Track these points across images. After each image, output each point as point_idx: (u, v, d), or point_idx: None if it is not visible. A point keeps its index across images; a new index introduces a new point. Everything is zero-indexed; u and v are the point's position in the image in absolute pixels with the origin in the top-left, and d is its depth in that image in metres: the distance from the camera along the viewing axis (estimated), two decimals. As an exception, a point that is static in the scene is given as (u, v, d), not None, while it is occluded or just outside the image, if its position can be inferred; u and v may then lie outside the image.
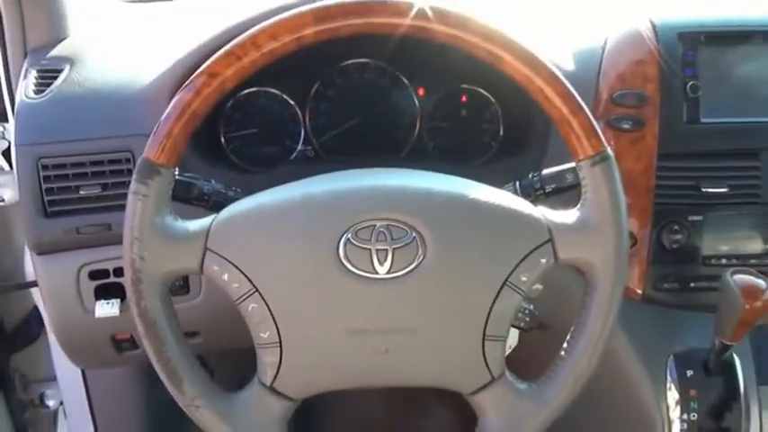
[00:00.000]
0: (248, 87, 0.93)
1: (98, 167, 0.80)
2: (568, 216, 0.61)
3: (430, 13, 0.58)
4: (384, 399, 1.40)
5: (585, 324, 0.61)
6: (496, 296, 0.59)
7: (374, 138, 0.95)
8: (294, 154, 0.95)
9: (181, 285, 0.84)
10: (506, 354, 0.82)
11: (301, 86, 0.93)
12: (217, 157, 0.92)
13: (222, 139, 0.94)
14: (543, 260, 0.60)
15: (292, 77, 0.92)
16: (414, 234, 0.58)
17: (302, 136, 0.95)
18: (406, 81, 0.94)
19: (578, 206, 0.62)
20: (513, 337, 0.85)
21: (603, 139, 0.60)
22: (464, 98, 0.95)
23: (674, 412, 0.80)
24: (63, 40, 0.95)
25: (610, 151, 0.60)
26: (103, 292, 0.83)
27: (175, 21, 1.05)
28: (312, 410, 1.39)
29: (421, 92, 0.95)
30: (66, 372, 1.14)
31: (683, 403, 0.79)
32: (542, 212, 0.61)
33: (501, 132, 0.96)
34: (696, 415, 0.79)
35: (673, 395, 0.81)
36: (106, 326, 0.84)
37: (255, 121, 0.94)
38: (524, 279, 0.59)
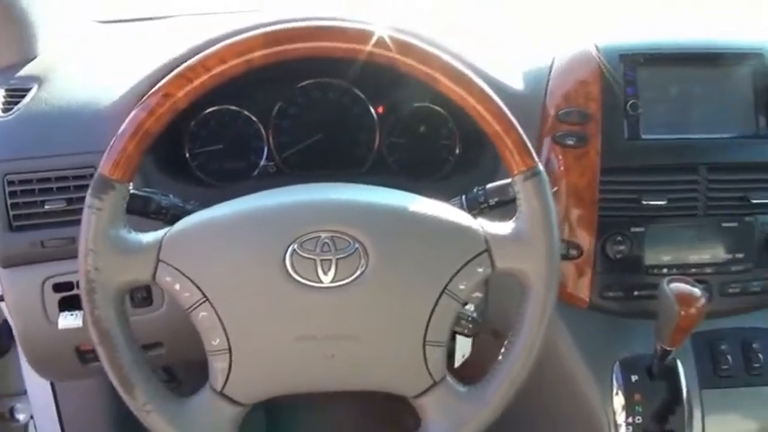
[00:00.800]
0: (213, 105, 0.96)
1: (63, 183, 0.82)
2: (505, 228, 0.65)
3: (374, 39, 0.62)
4: (350, 406, 1.41)
5: (520, 330, 0.64)
6: (436, 303, 0.62)
7: (336, 154, 0.99)
8: (257, 170, 0.98)
9: (144, 297, 0.86)
10: (460, 362, 0.86)
11: (264, 105, 0.97)
12: (181, 173, 0.94)
13: (187, 155, 0.97)
14: (480, 269, 0.63)
15: (256, 96, 0.96)
16: (356, 245, 0.61)
17: (265, 152, 0.98)
18: (365, 99, 0.98)
19: (514, 218, 0.65)
20: (467, 346, 0.88)
21: (534, 155, 0.64)
22: (422, 116, 0.99)
23: (620, 416, 0.83)
24: (32, 59, 0.97)
25: (540, 167, 0.64)
26: (67, 305, 0.85)
27: (143, 42, 1.08)
28: (278, 420, 1.40)
29: (380, 110, 0.99)
30: (37, 385, 1.14)
31: (629, 407, 0.82)
32: (481, 224, 0.65)
33: (457, 149, 0.99)
34: (641, 418, 0.82)
35: (619, 400, 0.84)
36: (70, 337, 0.86)
37: (220, 137, 0.97)
38: (462, 287, 0.63)
